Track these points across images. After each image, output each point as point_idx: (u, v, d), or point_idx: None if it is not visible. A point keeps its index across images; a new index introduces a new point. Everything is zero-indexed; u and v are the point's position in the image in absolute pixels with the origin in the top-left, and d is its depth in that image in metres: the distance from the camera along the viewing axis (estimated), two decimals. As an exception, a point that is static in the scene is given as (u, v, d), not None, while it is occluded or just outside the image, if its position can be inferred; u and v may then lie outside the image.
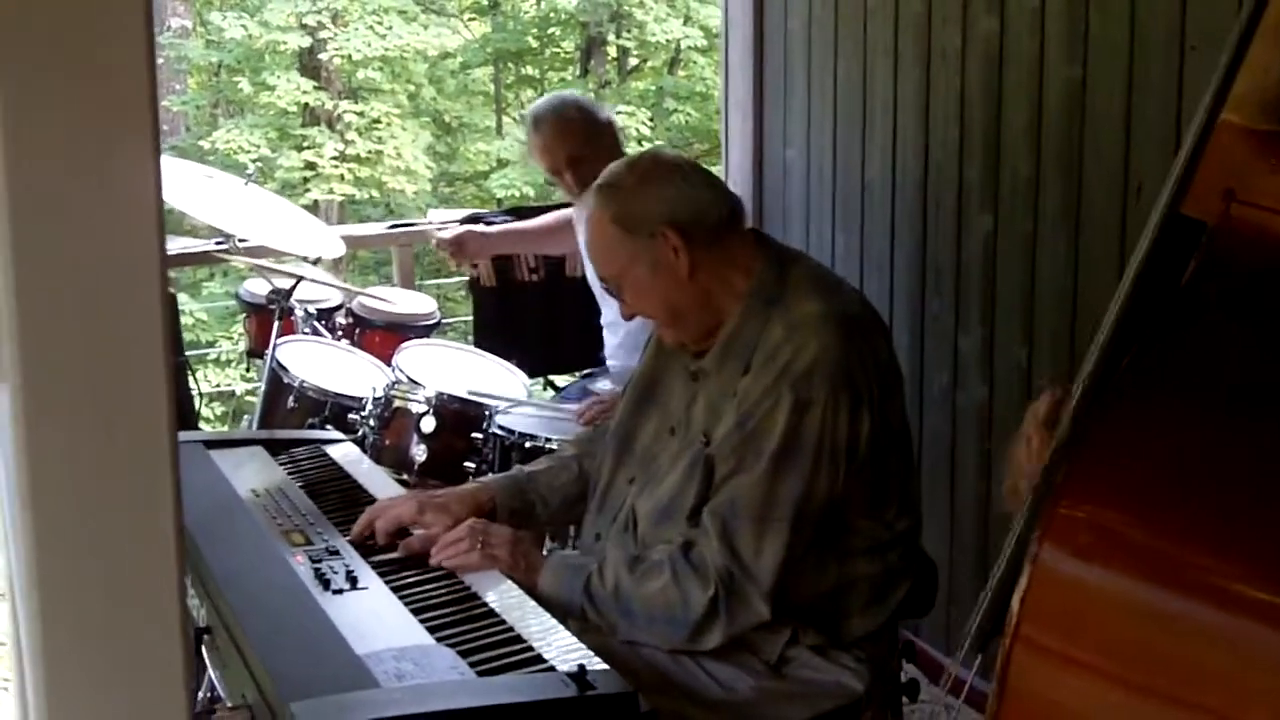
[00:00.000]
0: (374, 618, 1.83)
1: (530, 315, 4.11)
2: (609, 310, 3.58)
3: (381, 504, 2.22)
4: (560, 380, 4.34)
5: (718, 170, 4.28)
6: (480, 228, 3.97)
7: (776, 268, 2.16)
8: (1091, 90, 2.82)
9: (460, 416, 3.19)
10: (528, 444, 2.99)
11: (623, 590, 2.04)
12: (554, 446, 2.94)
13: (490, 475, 2.41)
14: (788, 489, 2.01)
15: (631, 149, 3.71)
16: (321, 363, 3.59)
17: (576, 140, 3.40)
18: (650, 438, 2.23)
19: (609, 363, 3.69)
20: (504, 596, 1.95)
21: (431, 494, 2.28)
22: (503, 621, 1.85)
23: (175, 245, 4.45)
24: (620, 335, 3.53)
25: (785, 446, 2.01)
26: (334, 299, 4.04)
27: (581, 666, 1.63)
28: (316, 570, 1.96)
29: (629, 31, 14.44)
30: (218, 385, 9.57)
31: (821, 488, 2.03)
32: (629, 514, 2.18)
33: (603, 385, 3.37)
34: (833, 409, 2.02)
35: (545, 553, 2.31)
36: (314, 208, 12.02)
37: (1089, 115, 2.83)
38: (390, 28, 13.34)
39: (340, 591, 1.90)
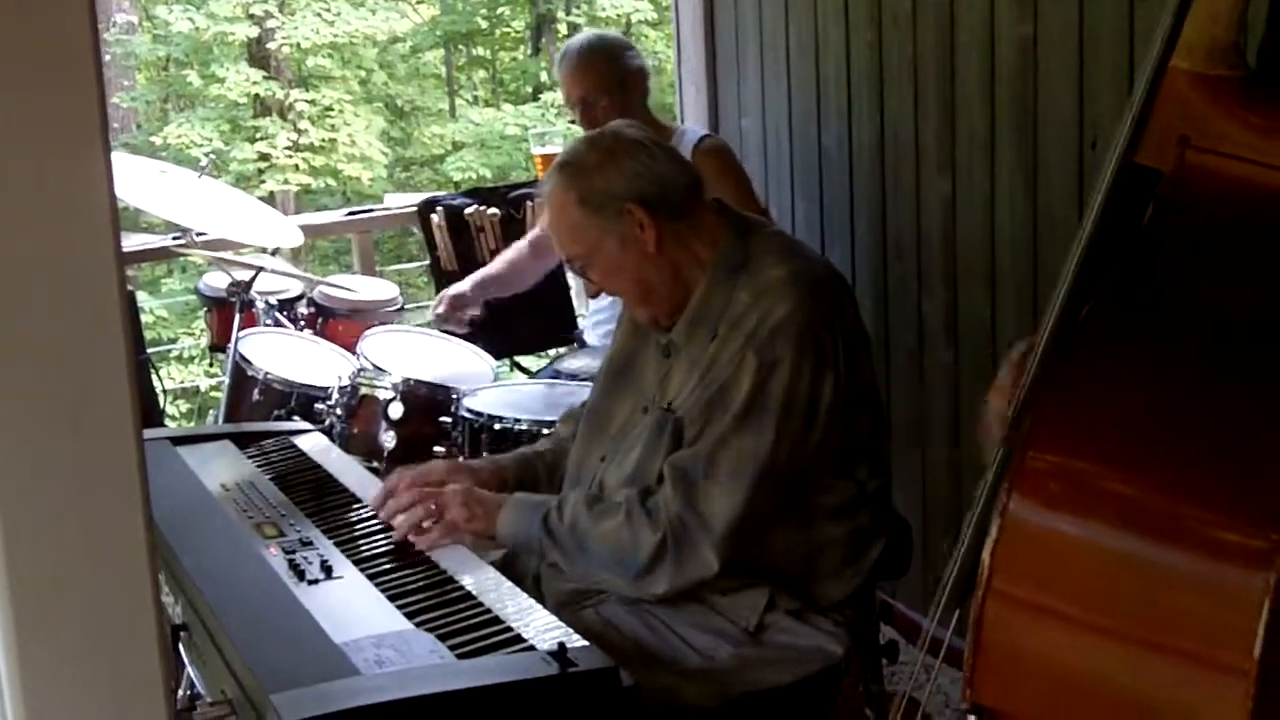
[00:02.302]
0: (351, 606, 1.83)
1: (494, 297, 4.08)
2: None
3: (411, 468, 2.30)
4: (526, 361, 4.33)
5: (674, 143, 4.27)
6: (454, 289, 3.62)
7: (740, 236, 2.18)
8: (1043, 47, 2.82)
9: (428, 401, 3.17)
10: (496, 425, 2.99)
11: (579, 527, 2.08)
12: (524, 427, 2.94)
13: (500, 455, 2.48)
14: (749, 445, 2.03)
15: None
16: (285, 354, 3.56)
17: (596, 81, 3.41)
18: (624, 418, 2.24)
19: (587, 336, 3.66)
20: (480, 579, 1.95)
21: (464, 461, 2.38)
22: (480, 604, 1.85)
23: (132, 242, 4.40)
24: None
25: (749, 405, 2.03)
26: (295, 289, 4.01)
27: (562, 644, 1.63)
28: (290, 561, 1.95)
29: (579, 7, 14.36)
30: (182, 382, 9.50)
31: (785, 446, 2.04)
32: (597, 487, 2.19)
33: (569, 363, 3.35)
34: (797, 369, 2.03)
35: None
36: (270, 199, 11.93)
37: (1042, 72, 2.84)
38: (338, 14, 13.22)
39: (315, 582, 1.90)
